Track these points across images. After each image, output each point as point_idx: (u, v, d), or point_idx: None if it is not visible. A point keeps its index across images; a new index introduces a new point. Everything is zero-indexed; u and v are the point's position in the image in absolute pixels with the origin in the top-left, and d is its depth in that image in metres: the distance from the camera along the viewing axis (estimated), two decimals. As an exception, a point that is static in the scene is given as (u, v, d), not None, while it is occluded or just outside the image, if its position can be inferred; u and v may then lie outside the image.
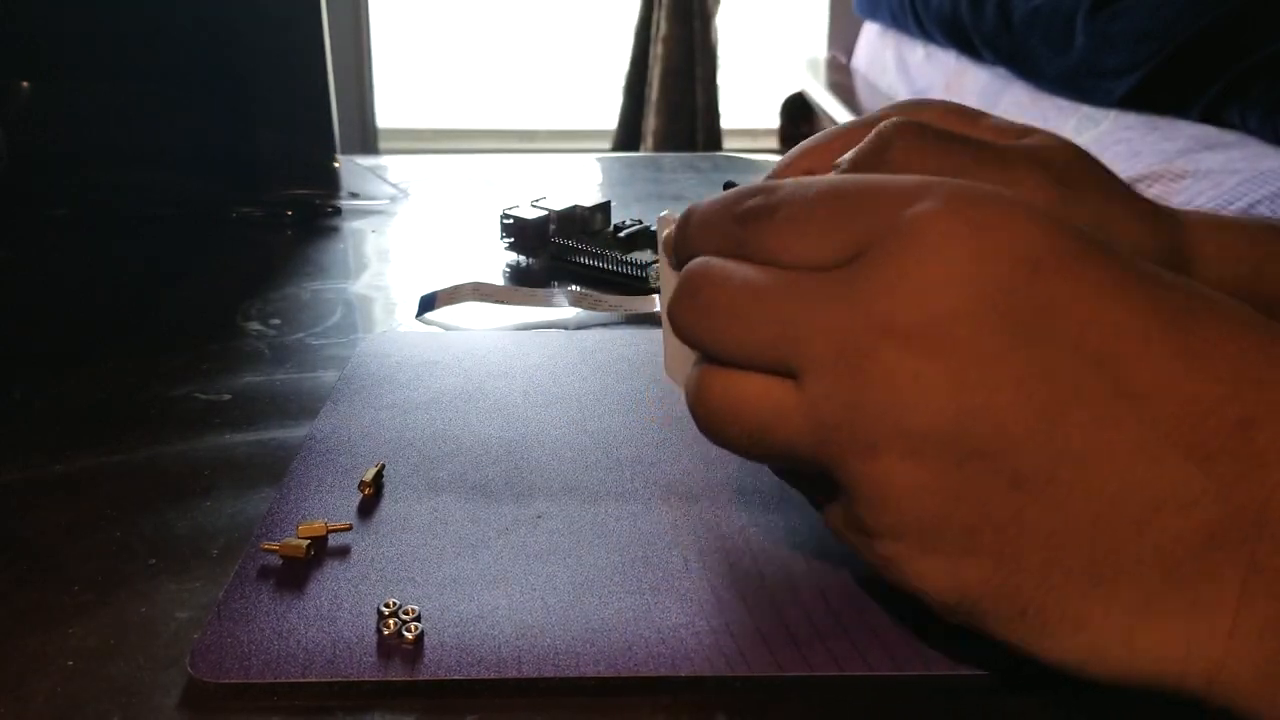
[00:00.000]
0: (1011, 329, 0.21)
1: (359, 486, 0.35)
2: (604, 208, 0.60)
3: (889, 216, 0.23)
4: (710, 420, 0.25)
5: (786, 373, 0.24)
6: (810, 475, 0.26)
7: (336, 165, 0.78)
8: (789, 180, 0.25)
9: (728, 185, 0.32)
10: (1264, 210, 0.98)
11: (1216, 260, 0.35)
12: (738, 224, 0.25)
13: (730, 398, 0.24)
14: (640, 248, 0.57)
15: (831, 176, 0.25)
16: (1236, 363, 0.21)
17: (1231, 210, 0.99)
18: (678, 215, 0.28)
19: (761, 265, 0.24)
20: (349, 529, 0.32)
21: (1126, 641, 0.21)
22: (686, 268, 0.26)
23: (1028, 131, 0.34)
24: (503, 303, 0.52)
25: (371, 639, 0.28)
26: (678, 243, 0.27)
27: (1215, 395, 0.21)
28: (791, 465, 0.26)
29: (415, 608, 0.28)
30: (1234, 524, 0.20)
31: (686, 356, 0.27)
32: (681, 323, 0.25)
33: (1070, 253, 0.22)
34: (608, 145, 2.60)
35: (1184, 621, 0.21)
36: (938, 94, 1.76)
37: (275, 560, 0.31)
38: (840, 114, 2.01)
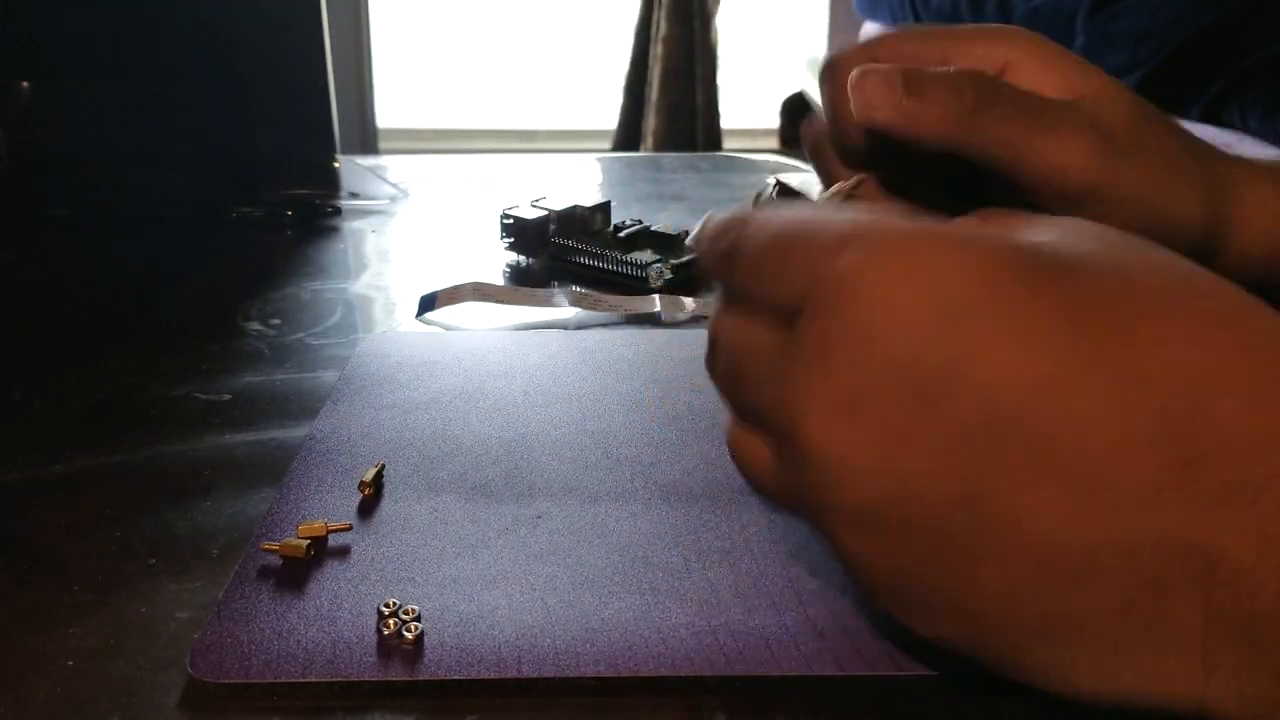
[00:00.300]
0: (923, 394, 0.21)
1: (359, 487, 0.35)
2: (604, 208, 0.60)
3: (822, 267, 0.22)
4: (740, 468, 0.26)
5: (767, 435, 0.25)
6: None
7: (336, 165, 0.78)
8: (758, 214, 0.25)
9: (778, 185, 0.33)
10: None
11: (1253, 218, 0.34)
12: (723, 261, 0.26)
13: (737, 453, 0.26)
14: (640, 248, 0.57)
15: (785, 217, 0.25)
16: (1179, 393, 0.19)
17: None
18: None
19: (743, 319, 0.25)
20: (349, 529, 0.32)
21: (1108, 679, 0.21)
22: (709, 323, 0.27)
23: (1082, 70, 0.33)
24: (503, 303, 0.52)
25: (371, 639, 0.28)
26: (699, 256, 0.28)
27: (1149, 435, 0.19)
28: None
29: (415, 608, 0.28)
30: (1181, 572, 0.19)
31: None
32: (711, 375, 0.27)
33: (994, 292, 0.21)
34: (608, 145, 2.60)
35: (1155, 659, 0.20)
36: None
37: (275, 560, 0.31)
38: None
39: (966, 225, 0.24)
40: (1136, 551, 0.19)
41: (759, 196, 0.32)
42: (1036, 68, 0.33)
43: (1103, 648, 0.20)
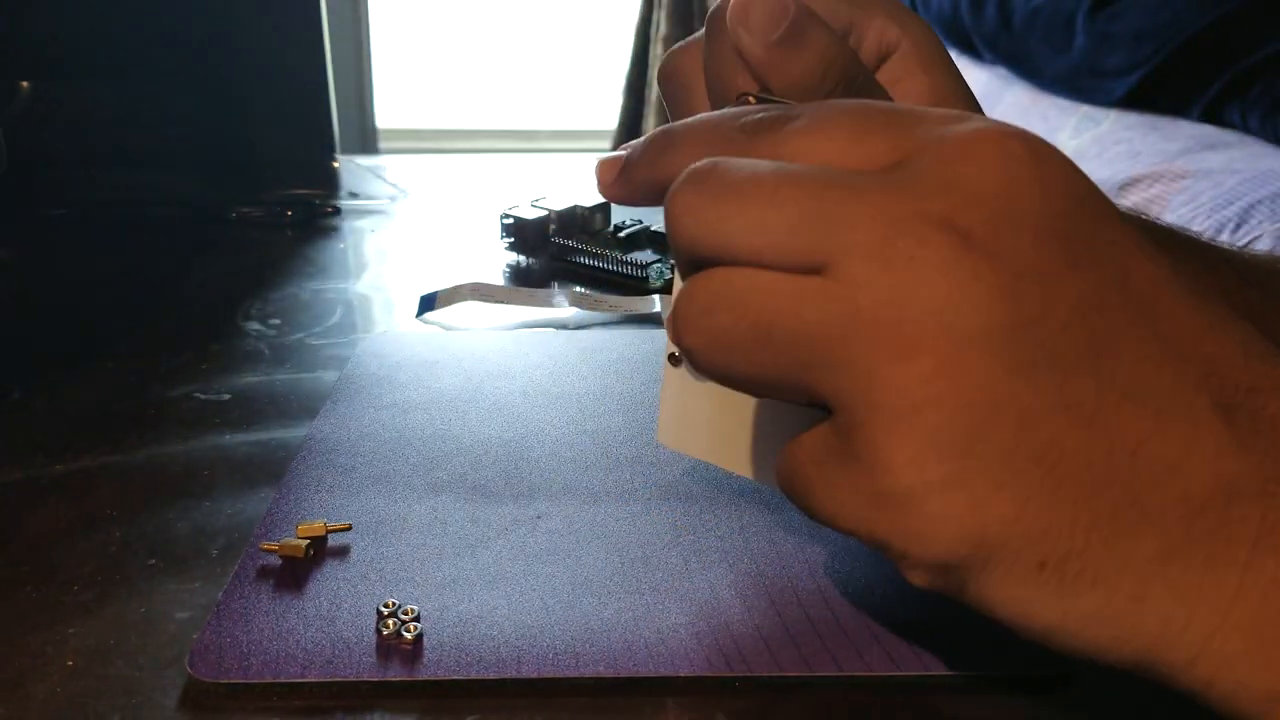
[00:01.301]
0: (1070, 252, 0.21)
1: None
2: (604, 208, 0.60)
3: (934, 130, 0.22)
4: (705, 314, 0.22)
5: (811, 269, 0.21)
6: (791, 398, 0.23)
7: (336, 165, 0.78)
8: (804, 104, 0.23)
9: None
10: (1263, 210, 0.98)
11: None
12: (744, 134, 0.23)
13: (735, 283, 0.21)
14: (640, 248, 0.57)
15: (858, 100, 0.23)
16: (1244, 339, 0.21)
17: (1230, 210, 0.99)
18: None
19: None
20: (348, 529, 0.32)
21: (1138, 598, 0.20)
22: (690, 169, 0.22)
23: (952, 85, 0.33)
24: (503, 303, 0.52)
25: (371, 639, 0.28)
26: (639, 161, 0.24)
27: (1232, 361, 0.21)
28: (775, 381, 0.22)
29: (414, 608, 0.28)
30: (1252, 479, 0.20)
31: (693, 411, 0.27)
32: (684, 217, 0.22)
33: (1104, 200, 0.22)
34: (608, 145, 2.60)
35: (1197, 576, 0.20)
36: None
37: (275, 560, 0.31)
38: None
39: None
40: (1222, 455, 0.20)
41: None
42: (914, 66, 0.32)
43: (1154, 555, 0.20)
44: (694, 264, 0.22)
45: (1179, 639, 0.20)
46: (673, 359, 0.27)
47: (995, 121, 0.22)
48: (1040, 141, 0.22)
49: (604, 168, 0.26)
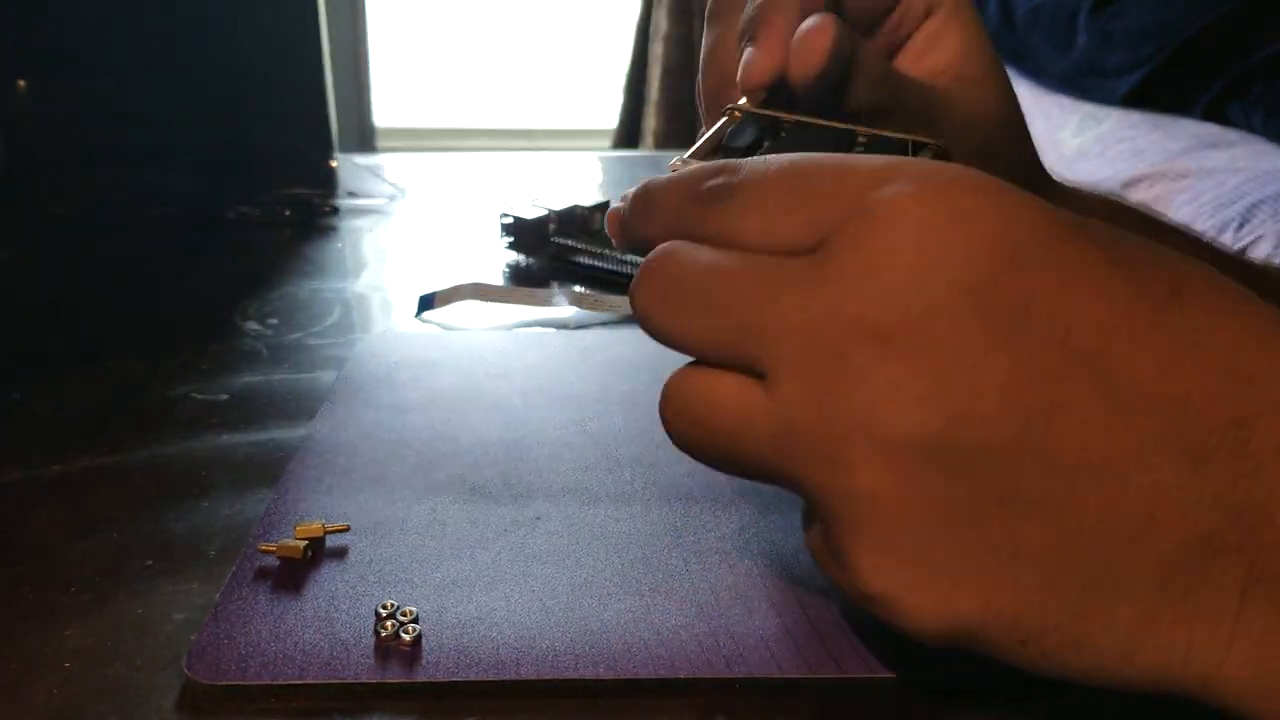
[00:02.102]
0: (994, 327, 0.20)
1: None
2: (604, 207, 0.60)
3: (855, 198, 0.21)
4: (676, 422, 0.24)
5: (754, 372, 0.22)
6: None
7: (334, 164, 0.78)
8: (750, 159, 0.24)
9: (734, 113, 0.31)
10: (1266, 209, 0.97)
11: None
12: (698, 204, 0.24)
13: (700, 398, 0.23)
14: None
15: (794, 155, 0.23)
16: (1228, 356, 0.20)
17: (1233, 210, 0.99)
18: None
19: (726, 249, 0.23)
20: (347, 530, 0.32)
21: (1127, 657, 0.21)
22: (649, 256, 0.24)
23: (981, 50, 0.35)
24: (502, 302, 0.52)
25: (369, 640, 0.27)
26: (631, 221, 0.26)
27: (1206, 394, 0.20)
28: (765, 482, 0.24)
29: (413, 609, 0.28)
30: (1232, 529, 0.20)
31: None
32: (642, 311, 0.24)
33: (1049, 240, 0.20)
34: (608, 144, 2.60)
35: (1184, 632, 0.20)
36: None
37: (273, 561, 0.31)
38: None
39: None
40: (1194, 509, 0.20)
41: (713, 135, 0.29)
42: (952, 26, 0.35)
43: (1135, 620, 0.20)
44: None
45: (1181, 678, 0.21)
46: None
47: (920, 178, 0.21)
48: (966, 192, 0.21)
49: (610, 222, 0.28)
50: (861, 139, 0.28)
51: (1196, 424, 0.20)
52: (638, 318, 0.24)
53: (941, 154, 0.28)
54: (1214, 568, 0.20)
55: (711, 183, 0.24)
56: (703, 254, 0.23)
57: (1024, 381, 0.20)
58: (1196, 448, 0.20)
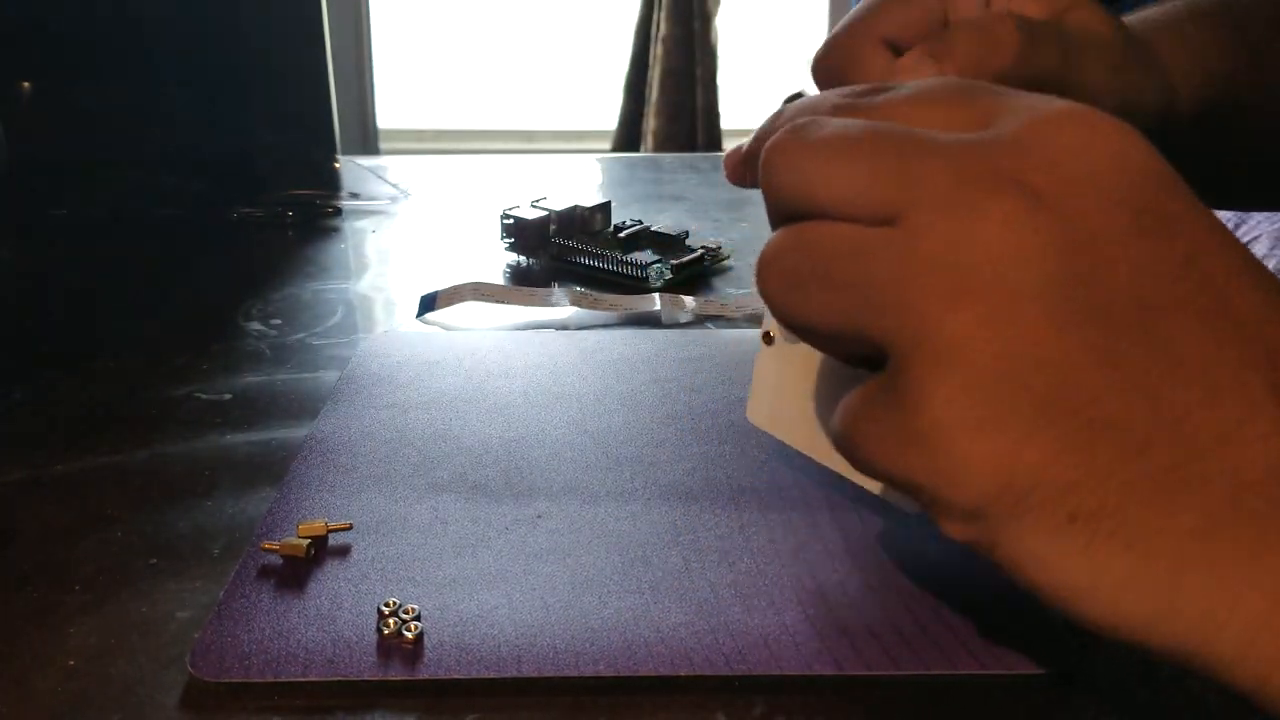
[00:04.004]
0: (1139, 222, 0.21)
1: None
2: (604, 208, 0.60)
3: (1027, 100, 0.22)
4: (774, 254, 0.23)
5: (886, 221, 0.22)
6: (855, 349, 0.23)
7: (337, 166, 0.78)
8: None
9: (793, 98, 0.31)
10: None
11: (1182, 86, 0.39)
12: (849, 99, 0.24)
13: (807, 231, 0.22)
14: (640, 248, 0.57)
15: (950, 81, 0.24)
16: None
17: (1231, 210, 0.99)
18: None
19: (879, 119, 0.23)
20: (349, 528, 0.32)
21: (1176, 572, 0.20)
22: (790, 123, 0.23)
23: None
24: (503, 303, 0.52)
25: (371, 638, 0.28)
26: (760, 134, 0.26)
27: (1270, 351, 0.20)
28: (837, 326, 0.22)
29: (415, 607, 0.28)
30: None
31: (782, 391, 0.27)
32: (776, 164, 0.23)
33: (1180, 183, 0.22)
34: (608, 145, 2.60)
35: (1243, 559, 0.19)
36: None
37: (276, 560, 0.31)
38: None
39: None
40: (1274, 437, 0.20)
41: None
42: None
43: (1196, 528, 0.20)
44: (783, 216, 0.23)
45: (1223, 630, 0.19)
46: (766, 337, 0.29)
47: (1091, 107, 0.22)
48: (1128, 127, 0.22)
49: (729, 154, 0.29)
50: None
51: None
52: (764, 167, 0.23)
53: None
54: (1272, 505, 0.19)
55: (870, 86, 0.24)
56: (858, 119, 0.23)
57: (1152, 271, 0.20)
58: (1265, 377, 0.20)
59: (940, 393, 0.20)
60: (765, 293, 0.23)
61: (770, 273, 0.23)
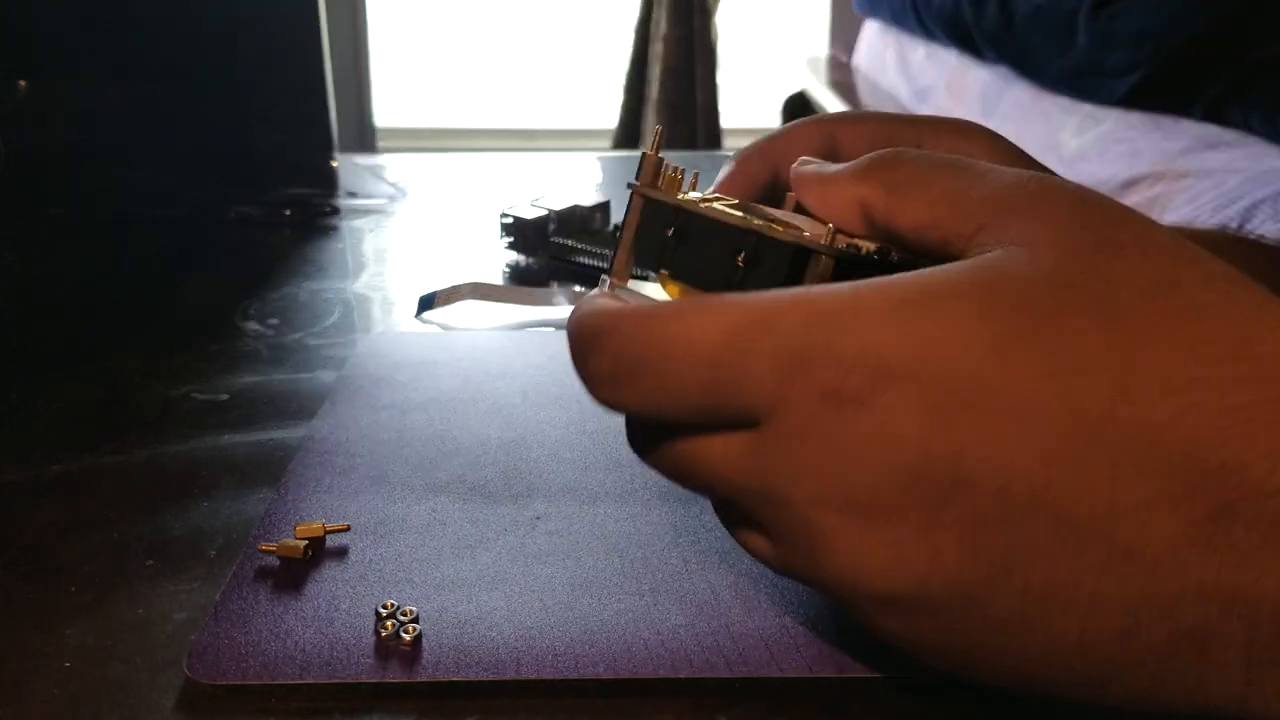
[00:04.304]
0: (934, 487, 0.21)
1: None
2: (604, 207, 0.60)
3: (776, 394, 0.22)
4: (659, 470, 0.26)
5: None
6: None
7: (335, 165, 0.78)
8: (666, 335, 0.23)
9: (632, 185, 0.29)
10: (1265, 210, 0.97)
11: None
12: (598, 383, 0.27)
13: (686, 463, 0.24)
14: (640, 247, 0.57)
15: (701, 339, 0.23)
16: (1199, 443, 0.19)
17: (1232, 210, 0.99)
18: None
19: (674, 435, 0.25)
20: (347, 529, 0.32)
21: (1153, 703, 0.21)
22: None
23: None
24: (502, 302, 0.52)
25: (369, 640, 0.27)
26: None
27: (1174, 494, 0.19)
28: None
29: (413, 609, 0.28)
30: (1224, 620, 0.19)
31: None
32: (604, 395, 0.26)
33: (983, 370, 0.20)
34: (608, 145, 2.60)
35: (1199, 689, 0.20)
36: (939, 93, 1.76)
37: (273, 561, 0.31)
38: (841, 113, 2.00)
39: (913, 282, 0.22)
40: (1179, 604, 0.19)
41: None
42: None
43: (1148, 687, 0.20)
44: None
45: (1207, 707, 0.20)
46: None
47: (830, 364, 0.21)
48: (870, 376, 0.21)
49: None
50: (751, 239, 0.25)
51: (1167, 524, 0.19)
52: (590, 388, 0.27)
53: (837, 255, 0.25)
54: (1212, 654, 0.19)
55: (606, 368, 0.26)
56: (677, 451, 0.25)
57: (976, 532, 0.20)
58: (1171, 548, 0.19)
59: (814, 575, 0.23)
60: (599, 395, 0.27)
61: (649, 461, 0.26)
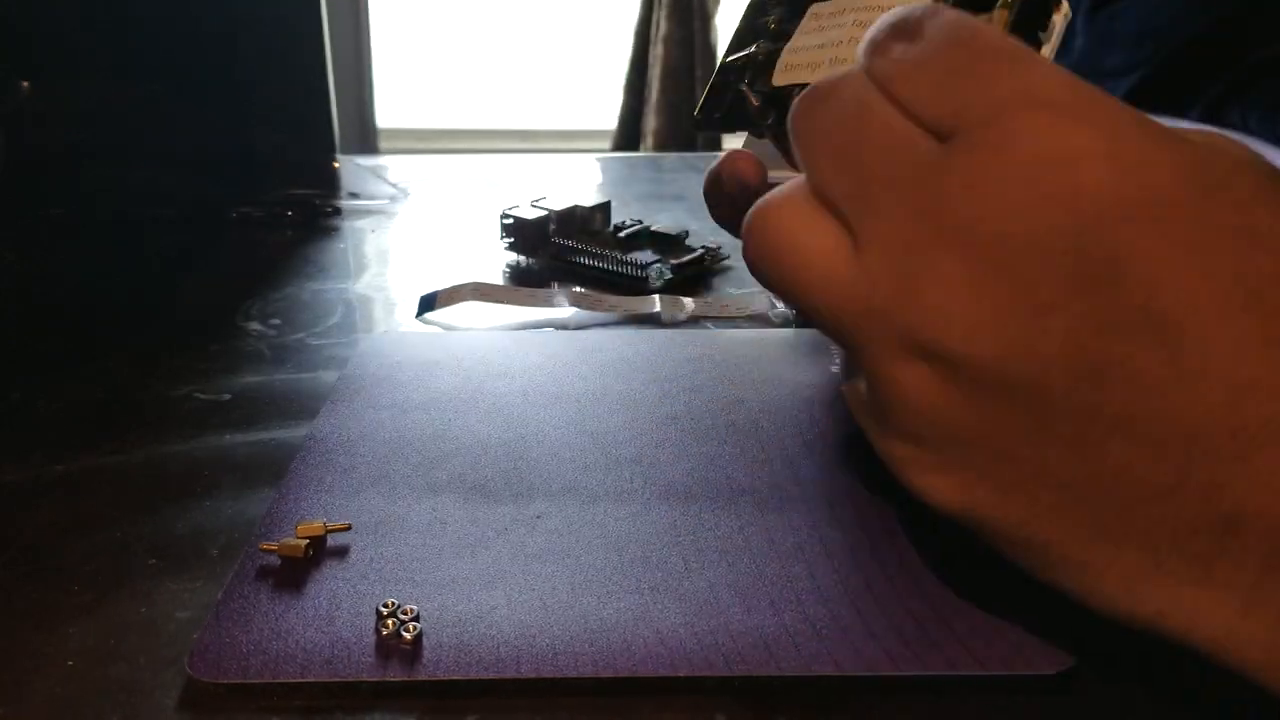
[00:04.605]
0: (1079, 272, 0.20)
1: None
2: (604, 208, 0.60)
3: (996, 106, 0.21)
4: (758, 259, 0.25)
5: (850, 227, 0.23)
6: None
7: (336, 165, 0.78)
8: (931, 15, 0.23)
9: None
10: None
11: None
12: (873, 52, 0.24)
13: (787, 241, 0.24)
14: (640, 248, 0.57)
15: (962, 26, 0.23)
16: None
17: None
18: None
19: (886, 100, 0.23)
20: (348, 529, 0.32)
21: (1129, 593, 0.21)
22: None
23: None
24: (503, 303, 0.52)
25: (370, 639, 0.28)
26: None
27: (1269, 386, 0.19)
28: (822, 330, 0.25)
29: (414, 608, 0.28)
30: (1260, 517, 0.19)
31: None
32: (795, 110, 0.24)
33: (1166, 200, 0.20)
34: (608, 145, 2.60)
35: (1192, 590, 0.20)
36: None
37: (274, 560, 0.31)
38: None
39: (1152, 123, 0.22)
40: (1226, 489, 0.19)
41: None
42: None
43: (1141, 567, 0.20)
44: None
45: (1188, 634, 0.20)
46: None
47: (1059, 106, 0.21)
48: (1097, 134, 0.21)
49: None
50: None
51: (1245, 412, 0.19)
52: (791, 117, 0.25)
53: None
54: (1234, 543, 0.19)
55: (887, 39, 0.24)
56: (870, 94, 0.23)
57: (1093, 332, 0.20)
58: (1246, 434, 0.19)
59: (895, 430, 0.23)
60: (745, 250, 0.25)
61: (751, 242, 0.25)
